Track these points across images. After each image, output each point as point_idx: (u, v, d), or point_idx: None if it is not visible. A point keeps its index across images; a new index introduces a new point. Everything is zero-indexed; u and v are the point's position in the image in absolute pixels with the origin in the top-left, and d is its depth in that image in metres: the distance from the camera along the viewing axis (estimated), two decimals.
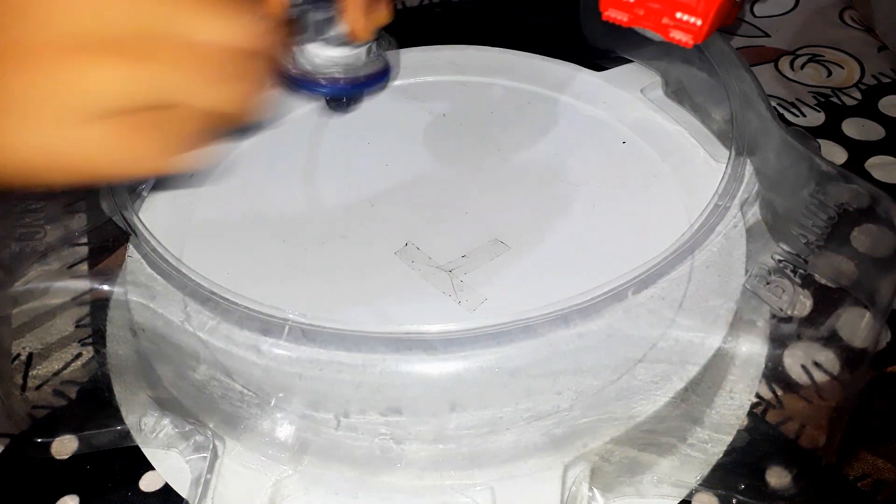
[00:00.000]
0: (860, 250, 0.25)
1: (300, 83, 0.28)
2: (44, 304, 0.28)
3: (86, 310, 0.30)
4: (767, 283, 0.25)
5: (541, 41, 0.37)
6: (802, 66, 0.41)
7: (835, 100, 0.38)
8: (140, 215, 0.28)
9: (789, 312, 0.25)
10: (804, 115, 0.38)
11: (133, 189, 0.32)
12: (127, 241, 0.28)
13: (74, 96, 0.17)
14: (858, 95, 0.39)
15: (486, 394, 0.25)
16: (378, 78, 0.29)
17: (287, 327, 0.24)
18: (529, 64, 0.36)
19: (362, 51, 0.28)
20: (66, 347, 0.30)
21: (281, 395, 0.25)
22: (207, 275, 0.25)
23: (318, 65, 0.28)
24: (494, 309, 0.27)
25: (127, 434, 0.27)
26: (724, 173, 0.28)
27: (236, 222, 0.30)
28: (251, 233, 0.30)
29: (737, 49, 0.37)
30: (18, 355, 0.29)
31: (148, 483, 0.26)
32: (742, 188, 0.28)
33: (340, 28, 0.27)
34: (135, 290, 0.27)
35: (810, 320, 0.25)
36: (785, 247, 0.26)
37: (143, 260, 0.27)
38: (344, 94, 0.29)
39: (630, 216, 0.30)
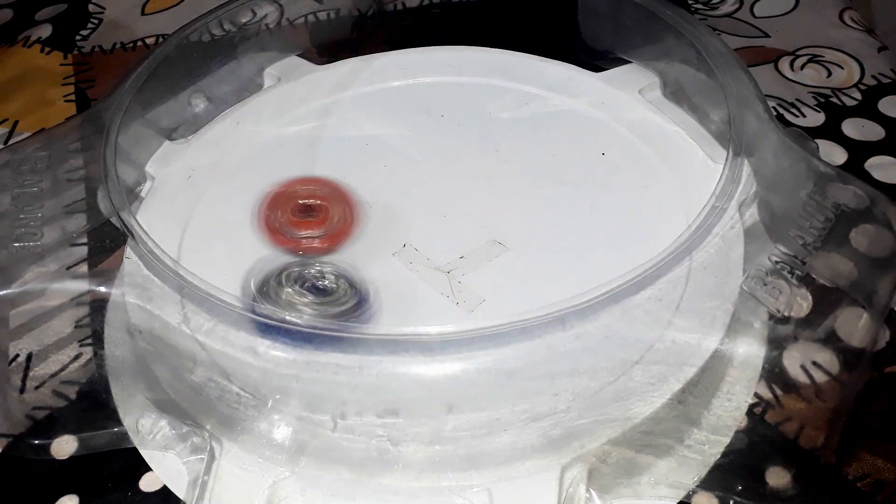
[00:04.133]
0: (858, 251, 0.25)
1: None
2: (42, 305, 0.28)
3: (85, 310, 0.30)
4: (765, 285, 0.25)
5: (539, 42, 0.37)
6: (802, 67, 0.40)
7: (835, 100, 0.38)
8: (137, 217, 0.28)
9: (787, 313, 0.25)
10: (804, 116, 0.38)
11: (131, 190, 0.32)
12: (125, 242, 0.28)
13: None
14: (858, 96, 0.38)
15: (484, 395, 0.25)
16: None
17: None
18: (527, 65, 0.36)
19: None
20: (65, 348, 0.30)
21: (278, 396, 0.25)
22: (204, 276, 0.26)
23: None
24: (492, 310, 0.27)
25: (125, 435, 0.27)
26: (722, 174, 0.28)
27: (234, 224, 0.30)
28: (249, 234, 0.30)
29: (736, 49, 0.37)
30: (17, 356, 0.29)
31: (148, 483, 0.26)
32: (740, 189, 0.27)
33: None
34: (132, 292, 0.27)
35: (808, 321, 0.25)
36: (782, 248, 0.26)
37: (140, 262, 0.27)
38: None
39: (628, 217, 0.30)
